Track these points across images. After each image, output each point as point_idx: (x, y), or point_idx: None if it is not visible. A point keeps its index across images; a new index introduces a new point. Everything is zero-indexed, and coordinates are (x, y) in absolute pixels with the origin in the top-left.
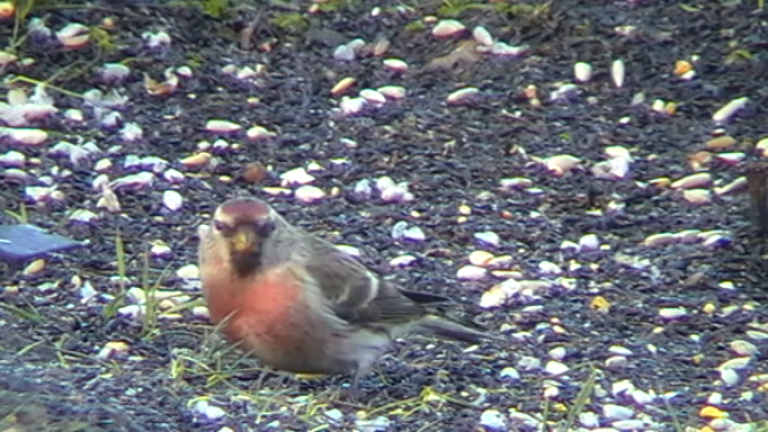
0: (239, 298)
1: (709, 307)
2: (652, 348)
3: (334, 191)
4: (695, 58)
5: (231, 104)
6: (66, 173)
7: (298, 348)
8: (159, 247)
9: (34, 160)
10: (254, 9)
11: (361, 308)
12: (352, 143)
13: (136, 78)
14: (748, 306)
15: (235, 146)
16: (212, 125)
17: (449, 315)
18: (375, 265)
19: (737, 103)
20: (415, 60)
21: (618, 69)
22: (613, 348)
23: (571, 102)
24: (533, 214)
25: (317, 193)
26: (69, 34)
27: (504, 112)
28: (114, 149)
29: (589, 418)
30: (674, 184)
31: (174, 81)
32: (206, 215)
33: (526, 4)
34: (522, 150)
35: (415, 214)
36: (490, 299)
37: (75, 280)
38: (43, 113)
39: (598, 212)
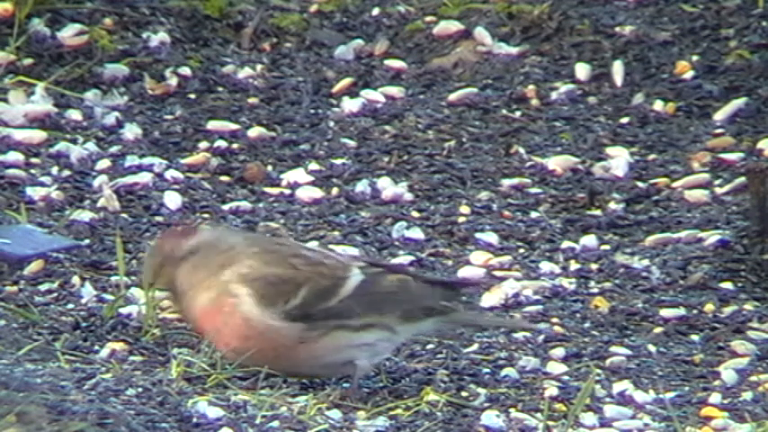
0: (192, 322)
1: (710, 307)
2: (652, 348)
3: (334, 191)
4: (695, 58)
5: (231, 104)
6: (67, 173)
7: (273, 357)
8: None
9: (34, 160)
10: (254, 9)
11: (326, 307)
12: (352, 143)
13: (136, 78)
14: (748, 306)
15: (235, 146)
16: (212, 125)
17: (479, 308)
18: (380, 259)
19: (737, 103)
20: (415, 60)
21: (618, 69)
22: (613, 348)
23: (571, 102)
24: (533, 214)
25: (317, 193)
26: (69, 34)
27: (504, 112)
28: (114, 149)
29: (589, 418)
30: (674, 184)
31: (174, 81)
32: (206, 215)
33: (526, 4)
34: (522, 150)
35: (415, 214)
36: (490, 299)
37: (75, 280)
38: (43, 113)
39: (598, 212)
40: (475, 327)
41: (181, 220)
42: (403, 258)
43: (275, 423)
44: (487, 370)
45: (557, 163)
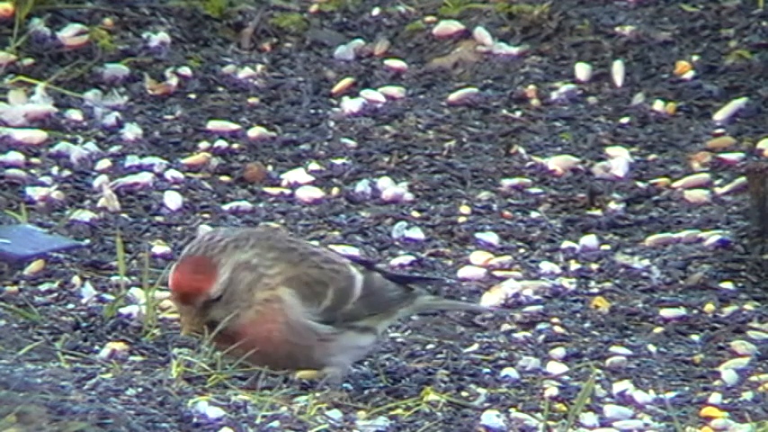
0: (227, 336)
1: (710, 307)
2: (652, 348)
3: (335, 191)
4: (695, 58)
5: (231, 104)
6: (67, 173)
7: (288, 357)
8: (159, 247)
9: (34, 160)
10: (254, 9)
11: (346, 310)
12: (352, 143)
13: (136, 78)
14: (748, 306)
15: (235, 146)
16: (212, 125)
17: (442, 293)
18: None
19: (737, 103)
20: (415, 60)
21: (618, 69)
22: (613, 348)
23: (571, 102)
24: (533, 214)
25: (317, 193)
26: (69, 34)
27: (504, 112)
28: (114, 149)
29: (589, 418)
30: (674, 184)
31: (174, 81)
32: (206, 215)
33: (526, 4)
34: (522, 150)
35: (415, 214)
36: (490, 299)
37: (76, 280)
38: (43, 113)
39: (598, 212)
40: (437, 310)
41: (190, 257)
42: (403, 258)
43: (275, 423)
44: (487, 370)
45: (557, 163)
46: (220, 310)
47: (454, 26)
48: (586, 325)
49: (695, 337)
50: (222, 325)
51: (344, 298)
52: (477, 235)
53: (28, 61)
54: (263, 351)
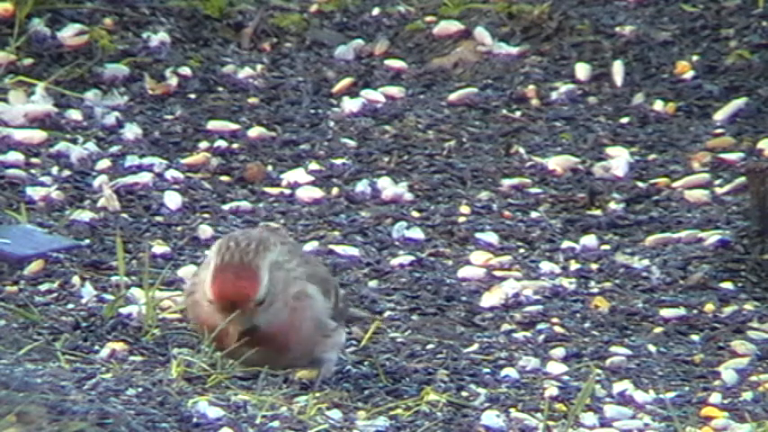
0: (266, 337)
1: (710, 307)
2: (652, 348)
3: (335, 191)
4: (695, 58)
5: (231, 104)
6: (67, 173)
7: (304, 354)
8: (159, 247)
9: (34, 160)
10: (254, 9)
11: (340, 307)
12: (352, 143)
13: (136, 78)
14: (748, 306)
15: (235, 146)
16: (212, 125)
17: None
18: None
19: (737, 103)
20: (415, 60)
21: (618, 69)
22: (613, 348)
23: (571, 102)
24: (533, 214)
25: (317, 193)
26: (69, 34)
27: (504, 112)
28: (114, 149)
29: (589, 418)
30: (674, 184)
31: (174, 81)
32: (206, 215)
33: (526, 4)
34: (522, 150)
35: (415, 214)
36: (490, 299)
37: (76, 280)
38: (43, 113)
39: (598, 212)
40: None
41: (229, 265)
42: (403, 258)
43: (275, 423)
44: (487, 370)
45: (557, 163)
46: (264, 314)
47: (454, 26)
48: (586, 325)
49: (695, 337)
50: (261, 326)
51: (339, 295)
52: (477, 235)
53: (28, 61)
54: (288, 348)
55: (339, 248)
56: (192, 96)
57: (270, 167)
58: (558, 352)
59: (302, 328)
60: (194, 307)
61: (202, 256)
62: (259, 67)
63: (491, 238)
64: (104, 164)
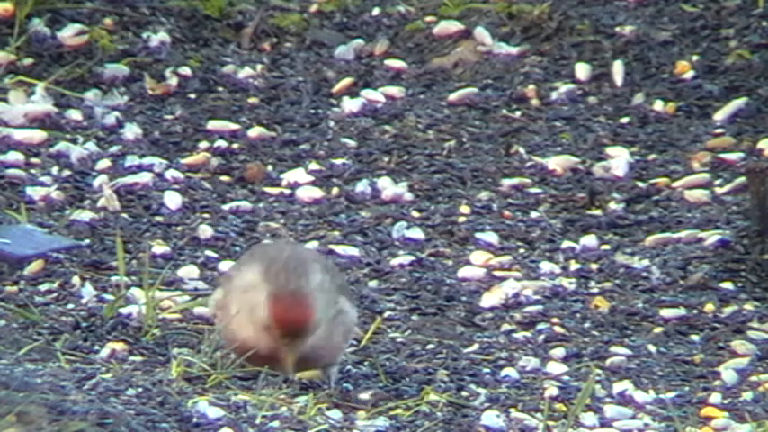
0: (307, 358)
1: (710, 307)
2: (652, 348)
3: (335, 191)
4: (695, 58)
5: (231, 104)
6: (67, 173)
7: (331, 361)
8: (159, 247)
9: (34, 160)
10: (254, 9)
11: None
12: (352, 143)
13: (136, 78)
14: (748, 306)
15: (235, 146)
16: (212, 125)
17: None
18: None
19: (737, 103)
20: (415, 60)
21: (618, 69)
22: (613, 348)
23: (571, 102)
24: (533, 214)
25: (317, 193)
26: (69, 34)
27: (504, 112)
28: (114, 149)
29: (589, 418)
30: (674, 184)
31: (174, 81)
32: (206, 215)
33: (526, 4)
34: (522, 150)
35: (415, 214)
36: (490, 299)
37: (76, 280)
38: (43, 113)
39: (598, 212)
40: None
41: (284, 292)
42: (403, 258)
43: (275, 423)
44: (487, 370)
45: (557, 163)
46: (314, 337)
47: (454, 26)
48: (586, 325)
49: (695, 337)
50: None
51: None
52: (477, 235)
53: (28, 61)
54: (320, 359)
55: (339, 248)
56: (192, 96)
57: (270, 167)
58: (558, 352)
59: (334, 341)
60: (239, 328)
61: (202, 256)
62: (259, 67)
63: (491, 238)
64: (104, 164)
